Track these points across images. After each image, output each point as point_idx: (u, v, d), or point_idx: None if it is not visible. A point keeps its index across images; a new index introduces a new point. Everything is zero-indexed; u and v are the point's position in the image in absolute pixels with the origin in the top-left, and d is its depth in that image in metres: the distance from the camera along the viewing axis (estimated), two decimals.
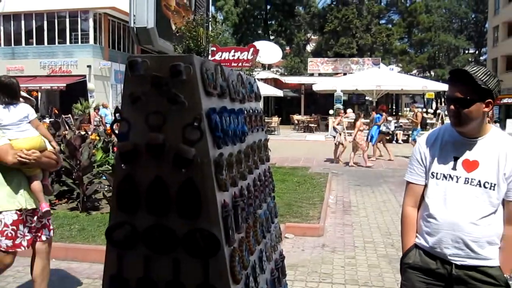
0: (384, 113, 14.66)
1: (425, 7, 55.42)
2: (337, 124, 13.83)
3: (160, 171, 1.73)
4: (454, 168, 2.07)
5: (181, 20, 12.54)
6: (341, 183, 10.42)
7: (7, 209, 3.21)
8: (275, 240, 2.64)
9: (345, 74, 32.90)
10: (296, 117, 30.23)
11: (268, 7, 47.70)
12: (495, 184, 2.01)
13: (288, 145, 18.73)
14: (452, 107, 2.01)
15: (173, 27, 12.70)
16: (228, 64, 29.92)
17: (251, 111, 2.39)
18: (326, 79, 30.10)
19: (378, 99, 25.69)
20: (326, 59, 38.58)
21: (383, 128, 14.46)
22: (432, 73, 56.22)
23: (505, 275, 2.02)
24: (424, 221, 2.15)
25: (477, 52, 63.26)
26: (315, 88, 26.56)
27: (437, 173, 2.11)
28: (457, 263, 2.04)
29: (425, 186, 2.17)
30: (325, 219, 6.83)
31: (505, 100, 39.04)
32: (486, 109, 2.01)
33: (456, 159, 2.07)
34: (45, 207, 3.39)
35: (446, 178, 2.08)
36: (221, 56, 30.49)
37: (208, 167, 1.70)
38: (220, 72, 1.94)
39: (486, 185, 2.01)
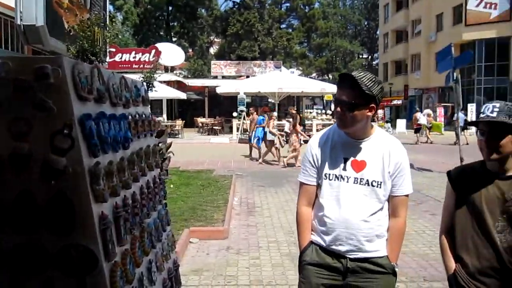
0: (266, 115, 14.94)
1: (322, 13, 58.21)
2: (273, 128, 14.07)
3: (27, 184, 1.56)
4: (344, 169, 2.16)
5: (75, 19, 11.83)
6: (245, 185, 10.50)
7: None
8: (168, 248, 2.54)
9: (248, 76, 33.38)
10: (200, 119, 30.06)
11: (170, 8, 46.97)
12: (381, 182, 2.14)
13: (192, 148, 18.55)
14: (338, 109, 2.09)
15: (66, 26, 11.95)
16: (129, 66, 29.07)
17: (137, 116, 2.27)
18: (230, 82, 30.31)
19: (280, 101, 26.41)
20: (229, 61, 38.93)
21: (267, 130, 14.79)
22: (330, 76, 59.13)
23: (392, 263, 2.18)
24: (320, 220, 2.22)
25: (370, 57, 67.72)
26: (218, 90, 26.63)
27: (329, 174, 2.18)
28: (351, 257, 2.15)
29: (318, 186, 2.24)
30: (229, 222, 6.83)
31: (395, 102, 42.19)
32: (370, 113, 2.10)
33: (345, 160, 2.16)
34: None
35: (338, 178, 2.16)
36: (121, 58, 29.50)
37: (81, 177, 1.57)
38: (97, 75, 1.80)
39: (374, 183, 2.13)
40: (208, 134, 27.49)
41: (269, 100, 28.51)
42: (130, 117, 2.15)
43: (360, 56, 66.74)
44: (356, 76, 2.04)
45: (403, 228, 2.25)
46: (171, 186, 9.30)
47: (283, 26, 52.87)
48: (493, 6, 33.11)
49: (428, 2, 40.66)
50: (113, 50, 29.62)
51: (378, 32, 59.23)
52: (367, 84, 2.04)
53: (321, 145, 2.24)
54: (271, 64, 37.26)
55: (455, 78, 12.46)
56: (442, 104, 33.69)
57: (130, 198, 1.95)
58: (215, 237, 6.14)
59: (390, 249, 2.19)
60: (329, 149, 2.20)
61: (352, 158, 2.15)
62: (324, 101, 52.37)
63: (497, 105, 1.94)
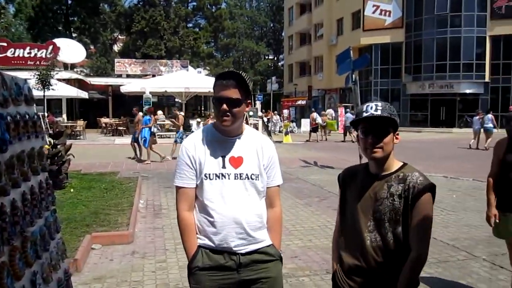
0: (152, 115, 14.90)
1: (229, 13, 58.71)
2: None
3: None
4: (223, 167, 2.20)
5: None
6: (151, 186, 10.23)
7: None
8: (57, 258, 2.36)
9: (154, 76, 32.63)
10: (103, 120, 28.76)
11: (70, 2, 44.45)
12: (259, 175, 2.24)
13: (95, 150, 17.72)
14: (225, 106, 2.12)
15: None
16: (23, 62, 27.12)
17: (18, 116, 2.07)
18: (135, 81, 29.40)
19: (188, 101, 26.15)
20: (134, 60, 37.73)
21: (154, 130, 14.80)
22: None
23: (278, 250, 2.30)
24: (206, 221, 2.20)
25: (276, 58, 69.55)
26: (123, 89, 25.73)
27: (209, 174, 2.19)
28: (243, 251, 2.18)
29: (197, 187, 2.23)
30: (134, 225, 6.59)
31: (299, 102, 43.73)
32: (247, 109, 2.23)
33: (223, 157, 2.21)
34: None
35: (218, 177, 2.19)
36: (13, 53, 27.40)
37: None
38: None
39: (253, 176, 2.22)
40: (113, 135, 26.40)
41: (176, 99, 28.08)
42: (9, 117, 1.96)
43: (266, 57, 68.30)
44: (241, 73, 2.14)
45: (280, 216, 2.38)
46: (71, 190, 8.79)
47: (190, 25, 52.45)
48: (387, 13, 35.60)
49: (330, 7, 42.68)
50: (4, 44, 27.42)
51: (283, 34, 60.96)
52: (248, 82, 2.16)
53: (197, 146, 2.24)
54: (178, 63, 36.75)
55: (354, 80, 13.14)
56: (343, 104, 35.57)
57: (8, 205, 1.78)
58: (119, 242, 5.90)
59: (273, 237, 2.29)
60: (205, 149, 2.22)
61: (229, 155, 2.21)
62: None
63: (379, 104, 2.02)
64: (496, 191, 3.62)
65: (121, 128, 26.70)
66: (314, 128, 25.27)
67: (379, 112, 1.98)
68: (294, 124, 34.11)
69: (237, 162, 2.21)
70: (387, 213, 1.99)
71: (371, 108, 2.00)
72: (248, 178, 2.21)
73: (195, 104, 37.13)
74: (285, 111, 36.88)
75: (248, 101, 2.24)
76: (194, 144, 2.25)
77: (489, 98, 32.28)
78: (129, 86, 25.92)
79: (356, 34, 37.51)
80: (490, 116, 19.25)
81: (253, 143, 2.28)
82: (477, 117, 19.69)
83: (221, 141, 2.23)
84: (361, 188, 2.10)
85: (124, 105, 33.13)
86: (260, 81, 58.47)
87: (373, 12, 36.12)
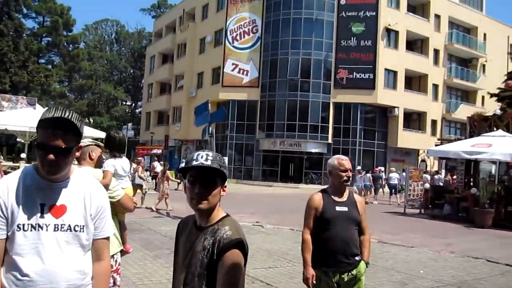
0: None
1: (88, 54, 56.55)
2: (141, 173, 15.70)
3: None
4: (42, 216, 1.90)
5: None
6: None
7: (117, 250, 3.76)
8: None
9: None
10: None
11: None
12: (84, 226, 1.99)
13: None
14: (51, 156, 1.85)
15: None
16: None
17: None
18: None
19: (31, 141, 23.90)
20: None
21: None
22: (91, 120, 57.06)
23: None
24: (15, 280, 1.85)
25: (133, 104, 68.21)
26: None
27: (24, 225, 1.87)
28: None
29: (8, 239, 1.88)
30: None
31: (155, 151, 43.02)
32: (77, 153, 2.04)
33: (42, 206, 1.92)
34: (129, 248, 4.18)
35: (35, 228, 1.88)
36: None
37: None
38: None
39: (76, 228, 1.96)
40: None
41: (18, 139, 25.46)
42: None
43: (124, 103, 66.65)
44: (72, 119, 1.89)
45: (108, 271, 2.17)
46: None
47: (42, 61, 49.12)
48: (245, 72, 37.64)
49: (191, 61, 43.70)
50: None
51: (143, 81, 60.37)
52: (79, 125, 1.92)
53: (10, 190, 1.90)
54: (24, 100, 33.59)
55: (210, 132, 13.38)
56: None
57: None
58: None
59: None
60: (21, 195, 1.90)
61: (50, 204, 1.93)
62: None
63: (210, 154, 1.93)
64: (314, 248, 3.55)
65: None
66: (154, 176, 25.60)
67: (209, 162, 1.89)
68: (148, 173, 33.20)
69: (59, 211, 1.93)
70: (198, 267, 1.89)
71: (202, 157, 1.90)
72: (71, 230, 1.94)
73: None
74: (140, 159, 35.77)
75: (80, 145, 2.00)
76: (8, 188, 1.90)
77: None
78: None
79: (215, 89, 38.77)
80: (368, 175, 22.36)
81: (81, 190, 2.02)
82: (359, 176, 21.97)
83: (42, 187, 1.93)
84: (185, 239, 2.02)
85: None
86: (115, 126, 56.45)
87: (232, 70, 37.89)
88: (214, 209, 1.95)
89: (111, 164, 4.20)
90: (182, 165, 2.39)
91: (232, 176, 35.10)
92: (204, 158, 1.90)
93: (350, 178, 3.66)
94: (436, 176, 22.59)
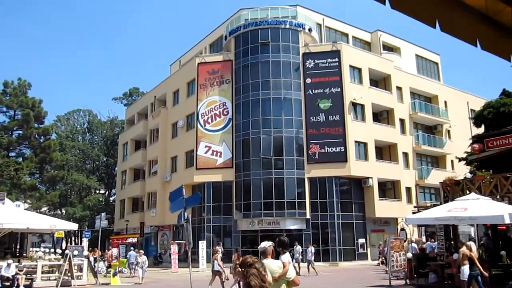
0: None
1: (60, 145, 56.20)
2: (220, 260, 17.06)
3: None
4: None
5: None
6: None
7: None
8: None
9: None
10: None
11: None
12: None
13: None
14: None
15: None
16: None
17: None
18: None
19: (0, 238, 22.85)
20: None
21: None
22: (64, 211, 55.48)
23: None
24: None
25: (107, 192, 66.97)
26: None
27: None
28: None
29: None
30: None
31: (130, 240, 41.63)
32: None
33: None
34: None
35: None
36: None
37: None
38: None
39: None
40: None
41: None
42: None
43: (97, 192, 65.43)
44: None
45: None
46: None
47: (12, 154, 48.41)
48: (218, 154, 37.83)
49: (164, 146, 43.85)
50: None
51: (116, 169, 59.80)
52: None
53: None
54: None
55: (186, 217, 13.13)
56: (176, 241, 34.90)
57: None
58: None
59: None
60: None
61: None
62: (55, 238, 47.97)
63: None
64: None
65: None
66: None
67: None
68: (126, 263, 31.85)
69: None
70: None
71: None
72: None
73: (9, 242, 32.57)
74: (115, 250, 34.47)
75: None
76: None
77: (311, 233, 34.99)
78: None
79: (189, 172, 38.63)
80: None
81: None
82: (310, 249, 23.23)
83: None
84: None
85: None
86: (89, 216, 54.85)
87: (206, 152, 38.06)
88: None
89: (287, 258, 7.33)
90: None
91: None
92: None
93: None
94: (428, 243, 22.59)
